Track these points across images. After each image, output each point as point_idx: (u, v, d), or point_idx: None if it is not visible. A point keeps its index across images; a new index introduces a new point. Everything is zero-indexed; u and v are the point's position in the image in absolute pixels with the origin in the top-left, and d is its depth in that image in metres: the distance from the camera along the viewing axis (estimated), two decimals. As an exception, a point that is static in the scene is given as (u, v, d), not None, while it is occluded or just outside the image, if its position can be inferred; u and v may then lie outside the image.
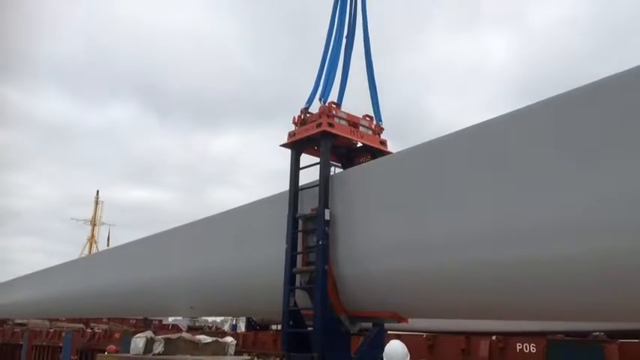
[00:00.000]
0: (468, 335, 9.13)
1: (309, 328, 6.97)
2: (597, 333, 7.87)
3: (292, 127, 7.60)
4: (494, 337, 8.68)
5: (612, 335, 7.84)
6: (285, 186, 7.67)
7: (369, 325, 7.11)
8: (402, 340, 9.42)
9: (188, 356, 8.58)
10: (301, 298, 7.18)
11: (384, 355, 5.04)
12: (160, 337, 9.01)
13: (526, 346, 8.28)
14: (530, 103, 5.38)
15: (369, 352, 6.65)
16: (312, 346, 6.64)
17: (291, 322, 7.06)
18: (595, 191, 4.53)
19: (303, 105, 7.60)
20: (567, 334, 8.23)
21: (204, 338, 9.46)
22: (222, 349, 9.35)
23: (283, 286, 7.15)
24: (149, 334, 9.11)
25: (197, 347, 8.99)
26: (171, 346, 8.74)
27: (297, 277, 7.18)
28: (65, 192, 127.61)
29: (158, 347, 8.65)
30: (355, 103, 8.00)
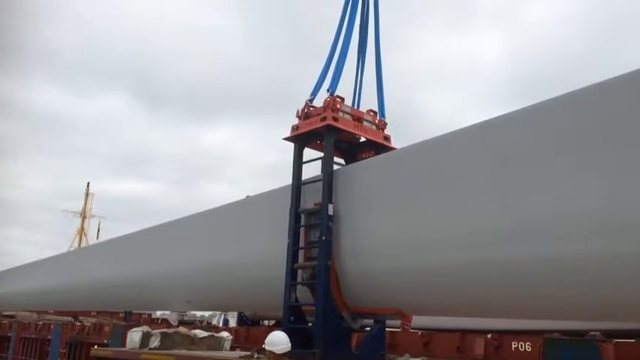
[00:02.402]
0: (463, 333, 9.12)
1: (309, 324, 6.95)
2: (594, 332, 7.91)
3: (291, 121, 7.52)
4: (489, 336, 8.66)
5: (609, 335, 7.87)
6: (278, 181, 7.66)
7: (371, 321, 7.10)
8: (397, 337, 9.52)
9: (184, 351, 8.52)
10: (302, 294, 7.14)
11: (265, 344, 5.29)
12: (156, 331, 8.95)
13: (521, 345, 8.24)
14: (524, 101, 5.40)
15: (370, 348, 6.65)
16: (314, 343, 6.62)
17: (291, 318, 7.02)
18: (595, 191, 4.54)
19: (297, 100, 7.53)
20: (564, 333, 8.25)
21: (200, 333, 9.41)
22: (218, 343, 9.30)
23: (284, 282, 7.11)
24: (145, 328, 9.05)
25: (193, 342, 8.93)
26: (167, 341, 8.68)
27: (299, 272, 7.13)
28: (55, 183, 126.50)
29: (154, 341, 8.58)
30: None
